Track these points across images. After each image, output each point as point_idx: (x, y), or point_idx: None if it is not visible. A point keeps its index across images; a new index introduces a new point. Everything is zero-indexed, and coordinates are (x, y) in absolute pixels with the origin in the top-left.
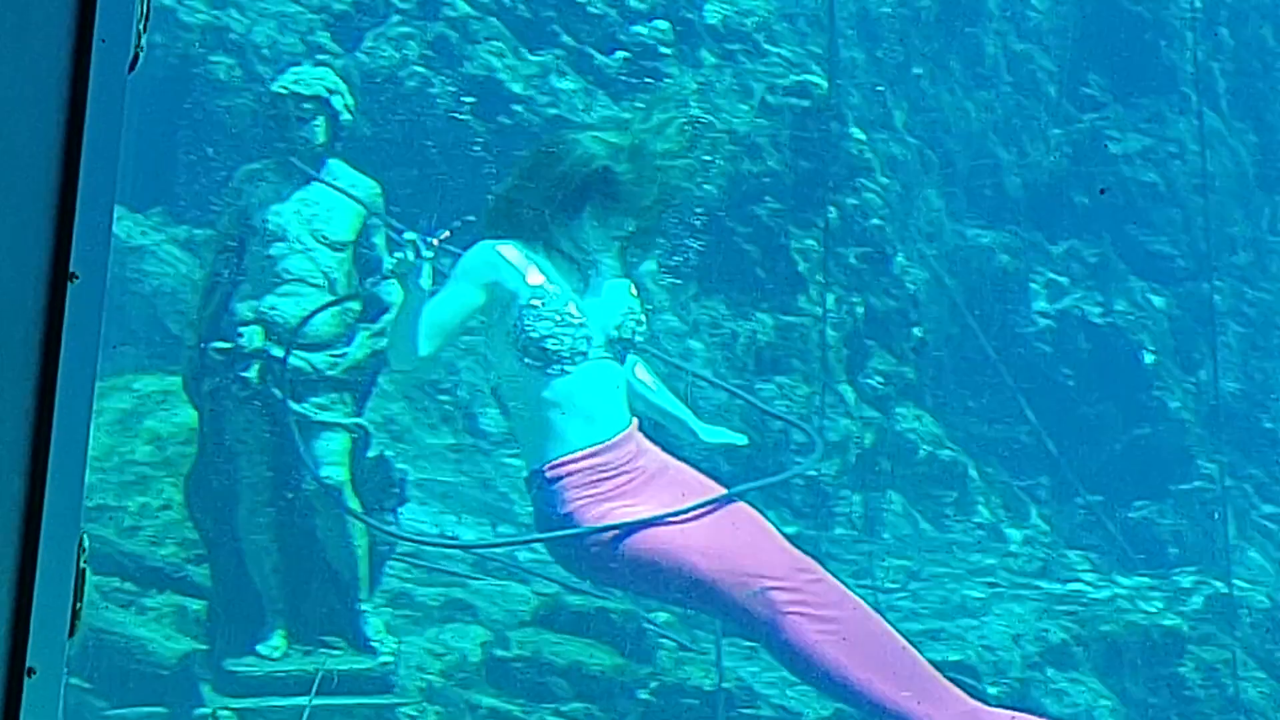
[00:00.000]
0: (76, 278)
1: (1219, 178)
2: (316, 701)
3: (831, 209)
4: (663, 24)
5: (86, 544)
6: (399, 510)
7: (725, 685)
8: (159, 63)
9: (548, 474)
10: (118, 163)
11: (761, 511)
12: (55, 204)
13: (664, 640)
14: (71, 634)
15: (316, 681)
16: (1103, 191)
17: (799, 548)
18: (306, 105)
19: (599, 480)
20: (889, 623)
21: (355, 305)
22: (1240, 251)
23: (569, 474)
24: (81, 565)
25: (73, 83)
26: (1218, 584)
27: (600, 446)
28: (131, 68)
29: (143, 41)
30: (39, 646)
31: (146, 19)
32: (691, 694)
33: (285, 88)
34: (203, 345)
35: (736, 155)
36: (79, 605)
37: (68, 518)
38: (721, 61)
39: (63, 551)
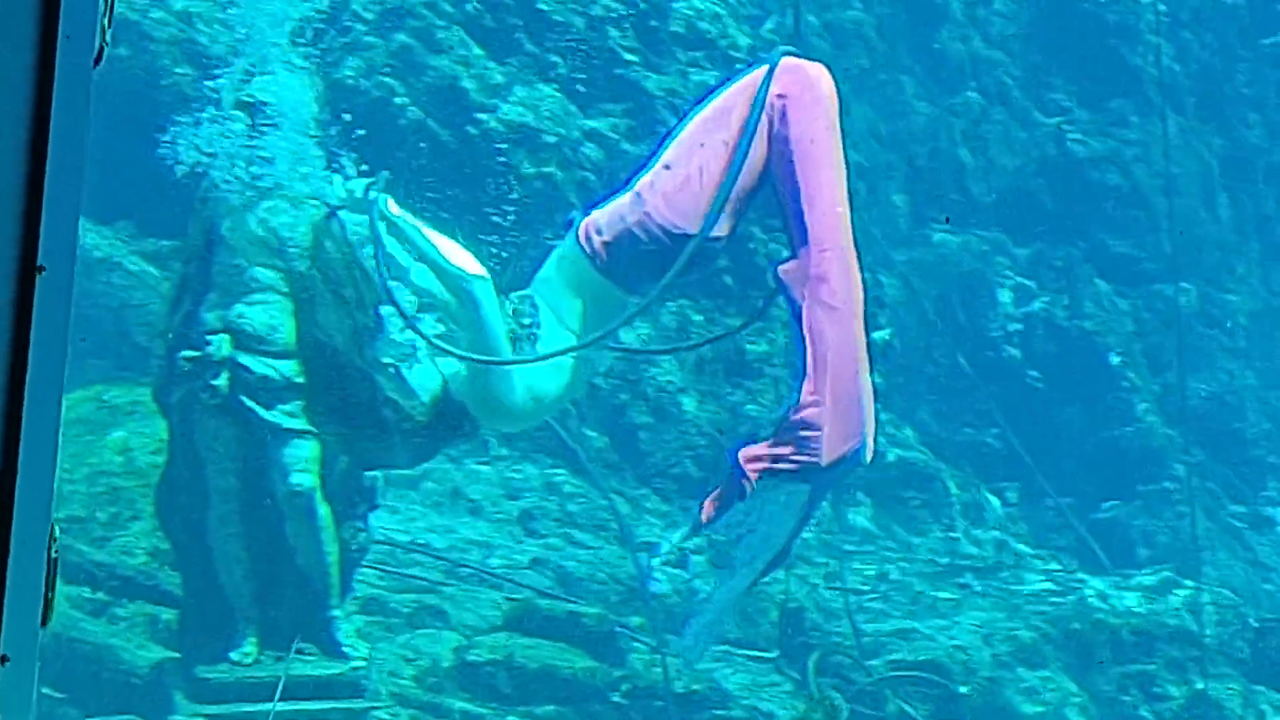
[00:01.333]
0: (44, 270)
1: (1183, 180)
2: (291, 707)
3: None
4: (629, 31)
5: (57, 534)
6: (369, 516)
7: (696, 687)
8: (125, 75)
9: None
10: (84, 156)
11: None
12: (22, 197)
13: (636, 643)
14: (44, 623)
15: (280, 686)
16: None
17: None
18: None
19: None
20: (857, 626)
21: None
22: (1205, 253)
23: None
24: (53, 555)
25: (38, 78)
26: (1186, 583)
27: None
28: (96, 63)
29: (107, 37)
30: (12, 635)
31: (110, 14)
32: (665, 695)
33: (251, 98)
34: (171, 354)
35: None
36: (51, 594)
37: (38, 507)
38: (687, 68)
39: (33, 541)
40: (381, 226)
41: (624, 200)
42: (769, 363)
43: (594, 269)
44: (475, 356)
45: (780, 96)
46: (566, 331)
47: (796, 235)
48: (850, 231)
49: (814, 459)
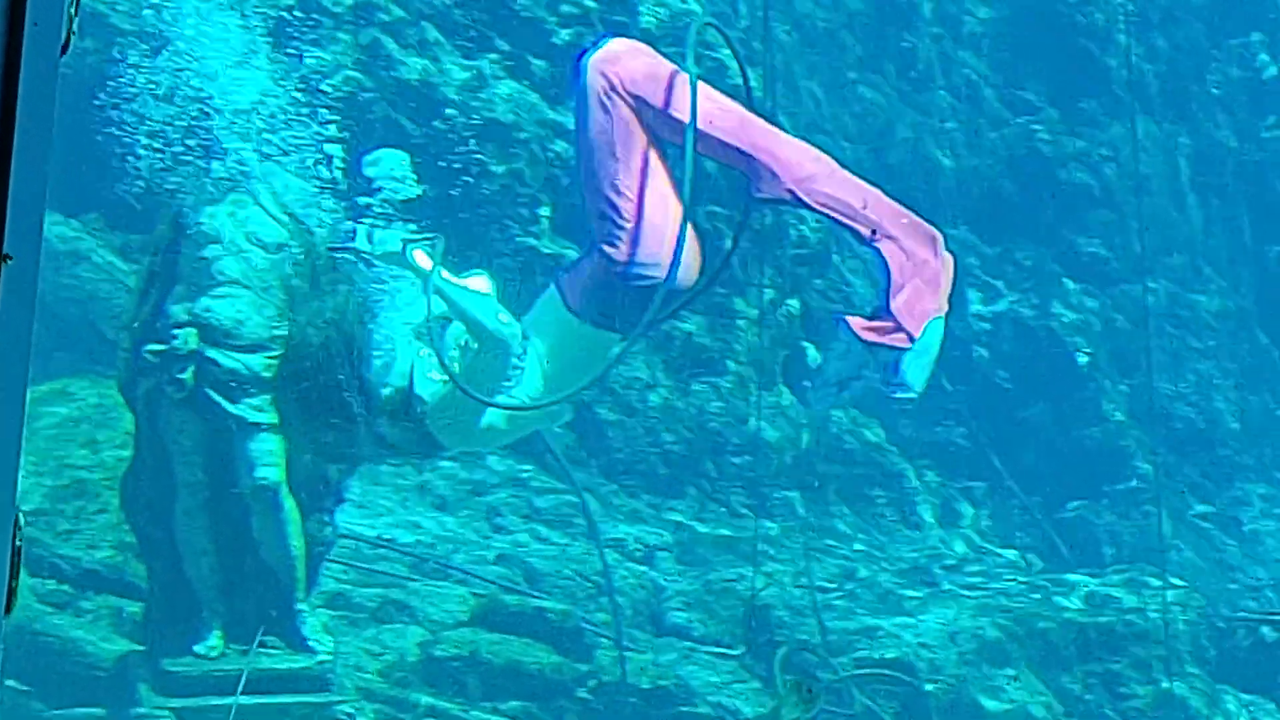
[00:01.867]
0: (10, 258)
1: (1153, 180)
2: (257, 700)
3: (767, 211)
4: (598, 28)
5: (23, 523)
6: (335, 511)
7: (662, 683)
8: (92, 68)
9: None
10: (51, 144)
11: (700, 511)
12: None
13: (602, 639)
14: (8, 611)
15: (243, 679)
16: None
17: (736, 549)
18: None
19: None
20: (823, 623)
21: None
22: (1174, 253)
23: None
24: (17, 544)
25: (4, 65)
26: (1152, 582)
27: None
28: (63, 51)
29: (74, 25)
30: None
31: (77, 3)
32: (630, 692)
33: (219, 91)
34: (137, 348)
35: (671, 157)
36: (14, 583)
37: (2, 497)
38: None
39: None
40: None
41: (594, 260)
42: (736, 359)
43: (584, 323)
44: (510, 405)
45: (614, 90)
46: (543, 372)
47: (740, 163)
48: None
49: (936, 292)
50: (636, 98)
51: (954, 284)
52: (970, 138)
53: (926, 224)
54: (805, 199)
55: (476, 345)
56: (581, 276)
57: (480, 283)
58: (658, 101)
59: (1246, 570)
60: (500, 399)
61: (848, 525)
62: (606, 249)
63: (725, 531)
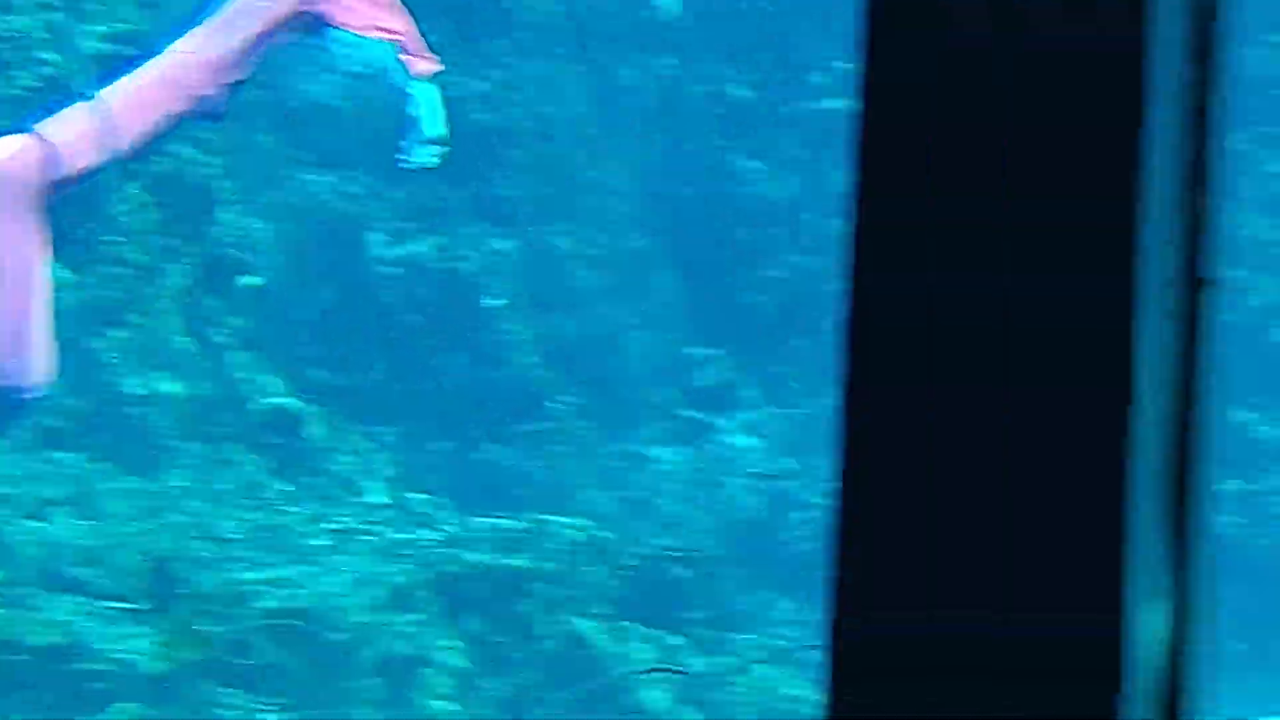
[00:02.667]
0: None
1: (559, 123)
2: None
3: (160, 157)
4: None
5: None
6: None
7: (54, 640)
8: None
9: None
10: None
11: (99, 462)
12: None
13: None
14: None
15: None
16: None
17: (136, 501)
18: None
19: None
20: (227, 575)
21: None
22: (583, 195)
23: None
24: None
25: None
26: (561, 522)
27: None
28: None
29: None
30: None
31: None
32: (19, 649)
33: None
34: None
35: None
36: None
37: None
38: None
39: None
40: None
41: None
42: (135, 309)
43: None
44: None
45: None
46: None
47: (174, 120)
48: None
49: None
50: (15, 192)
51: None
52: (370, 79)
53: None
54: (232, 79)
55: None
56: None
57: None
58: (41, 179)
59: (654, 506)
60: None
61: (252, 474)
62: None
63: (129, 483)
